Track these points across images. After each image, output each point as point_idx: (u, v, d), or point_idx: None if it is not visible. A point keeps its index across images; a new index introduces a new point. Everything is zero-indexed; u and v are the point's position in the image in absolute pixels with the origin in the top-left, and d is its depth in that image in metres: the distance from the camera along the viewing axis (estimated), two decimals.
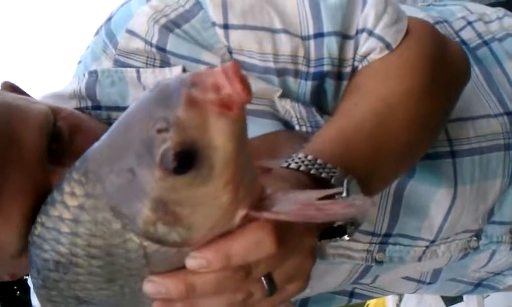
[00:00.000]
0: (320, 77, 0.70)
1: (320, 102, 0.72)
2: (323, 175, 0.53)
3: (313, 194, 0.45)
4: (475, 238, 0.81)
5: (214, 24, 0.69)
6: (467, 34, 0.87)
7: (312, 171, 0.53)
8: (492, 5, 0.99)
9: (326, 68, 0.69)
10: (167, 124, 0.39)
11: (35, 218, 0.49)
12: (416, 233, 0.77)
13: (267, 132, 0.63)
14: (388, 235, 0.76)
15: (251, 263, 0.45)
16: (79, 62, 0.80)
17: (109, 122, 0.72)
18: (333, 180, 0.53)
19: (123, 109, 0.72)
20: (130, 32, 0.71)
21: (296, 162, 0.54)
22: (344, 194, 0.51)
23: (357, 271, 0.78)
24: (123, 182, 0.41)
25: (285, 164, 0.54)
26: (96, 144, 0.44)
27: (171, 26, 0.70)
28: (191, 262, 0.44)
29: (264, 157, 0.55)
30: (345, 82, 0.71)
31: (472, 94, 0.80)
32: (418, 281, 0.86)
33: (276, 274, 0.47)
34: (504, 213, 0.82)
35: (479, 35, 0.87)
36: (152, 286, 0.45)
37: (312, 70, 0.70)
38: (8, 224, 0.53)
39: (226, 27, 0.69)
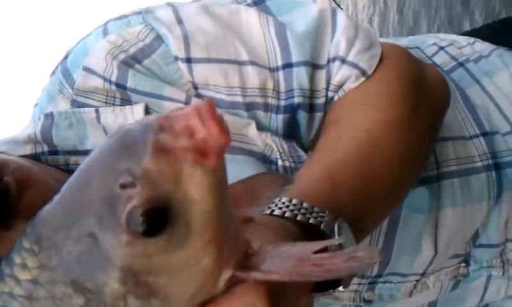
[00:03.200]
0: (291, 110, 0.66)
1: (293, 135, 0.68)
2: (311, 221, 0.48)
3: (309, 247, 0.39)
4: (464, 265, 0.78)
5: (176, 59, 0.65)
6: (440, 59, 0.85)
7: (299, 217, 0.48)
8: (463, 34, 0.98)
9: (296, 100, 0.66)
10: (132, 177, 0.34)
11: None
12: (407, 270, 0.74)
13: (246, 177, 0.58)
14: (378, 276, 0.72)
15: None
16: (35, 105, 0.76)
17: (67, 169, 0.67)
18: (322, 226, 0.48)
19: (82, 152, 0.68)
20: (87, 69, 0.67)
21: (280, 208, 0.49)
22: (338, 241, 0.46)
23: None
24: (84, 250, 0.35)
25: (269, 211, 0.49)
26: (49, 206, 0.38)
27: (131, 62, 0.66)
28: None
29: (244, 204, 0.49)
30: (318, 114, 0.67)
31: (450, 112, 0.77)
32: None
33: None
34: (490, 235, 0.78)
35: (453, 58, 0.85)
36: None
37: (282, 102, 0.66)
38: None
39: (189, 61, 0.65)
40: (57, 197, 0.37)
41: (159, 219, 0.34)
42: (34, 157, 0.68)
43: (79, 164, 0.66)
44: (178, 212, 0.34)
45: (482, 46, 0.89)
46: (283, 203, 0.49)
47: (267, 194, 0.48)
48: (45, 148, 0.68)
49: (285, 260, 0.38)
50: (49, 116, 0.69)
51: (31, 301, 0.38)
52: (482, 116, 0.80)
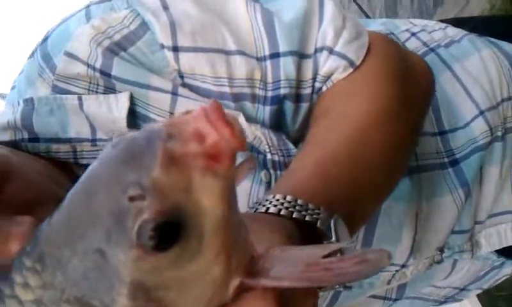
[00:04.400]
0: (278, 101, 0.66)
1: (278, 125, 0.67)
2: (307, 218, 0.48)
3: (317, 252, 0.37)
4: (438, 252, 0.79)
5: (162, 46, 0.64)
6: (412, 44, 0.84)
7: (295, 215, 0.48)
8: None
9: (283, 91, 0.65)
10: (141, 189, 0.32)
11: None
12: None
13: None
14: None
15: None
16: (13, 87, 0.73)
17: (48, 157, 0.66)
18: (318, 223, 0.48)
19: (64, 140, 0.66)
20: (70, 55, 0.65)
21: (275, 205, 0.49)
22: (346, 245, 0.45)
23: (326, 298, 0.74)
24: (90, 266, 0.33)
25: (263, 209, 0.49)
26: (50, 221, 0.35)
27: (116, 49, 0.64)
28: None
29: None
30: (304, 104, 0.66)
31: None
32: (384, 298, 0.83)
33: None
34: (463, 222, 0.80)
35: (424, 44, 0.85)
36: None
37: (269, 93, 0.65)
38: None
39: (175, 49, 0.63)
40: (59, 212, 0.35)
41: (169, 231, 0.32)
42: (14, 144, 0.66)
43: (60, 153, 0.65)
44: (190, 223, 0.32)
45: (454, 31, 0.89)
46: (278, 200, 0.49)
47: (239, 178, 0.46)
48: (25, 135, 0.66)
49: (293, 265, 0.37)
50: (29, 102, 0.66)
51: None
52: (444, 112, 0.80)
